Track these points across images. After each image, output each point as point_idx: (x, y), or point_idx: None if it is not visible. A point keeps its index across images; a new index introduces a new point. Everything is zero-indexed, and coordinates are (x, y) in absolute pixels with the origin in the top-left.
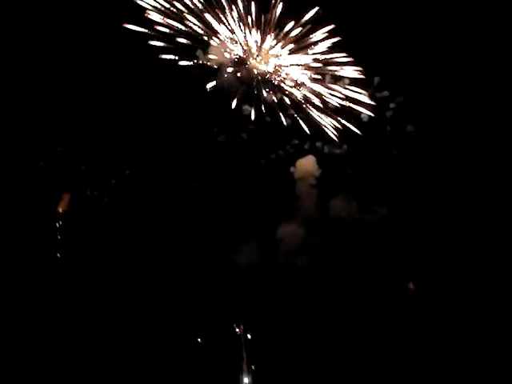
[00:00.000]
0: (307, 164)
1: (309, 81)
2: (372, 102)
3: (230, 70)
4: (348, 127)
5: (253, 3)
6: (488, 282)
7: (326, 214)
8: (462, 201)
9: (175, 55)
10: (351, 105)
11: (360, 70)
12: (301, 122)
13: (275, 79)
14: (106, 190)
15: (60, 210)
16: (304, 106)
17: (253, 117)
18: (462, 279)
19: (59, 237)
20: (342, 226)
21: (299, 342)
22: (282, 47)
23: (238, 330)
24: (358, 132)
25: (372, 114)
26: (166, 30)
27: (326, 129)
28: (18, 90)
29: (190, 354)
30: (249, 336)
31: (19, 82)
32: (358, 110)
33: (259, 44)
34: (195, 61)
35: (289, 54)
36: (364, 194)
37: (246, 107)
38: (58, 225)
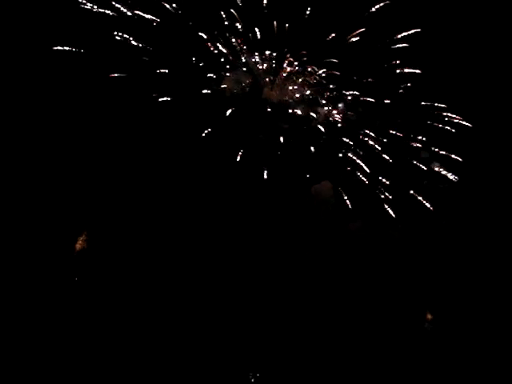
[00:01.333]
0: (323, 190)
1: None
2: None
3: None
4: None
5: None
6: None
7: (343, 240)
8: (481, 230)
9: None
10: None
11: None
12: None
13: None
14: (124, 223)
15: (78, 247)
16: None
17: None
18: (480, 310)
19: (76, 277)
20: (359, 252)
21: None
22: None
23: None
24: None
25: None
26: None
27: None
28: (35, 132)
29: None
30: None
31: (34, 126)
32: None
33: (273, 68)
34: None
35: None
36: (380, 218)
37: (261, 136)
38: (76, 262)
